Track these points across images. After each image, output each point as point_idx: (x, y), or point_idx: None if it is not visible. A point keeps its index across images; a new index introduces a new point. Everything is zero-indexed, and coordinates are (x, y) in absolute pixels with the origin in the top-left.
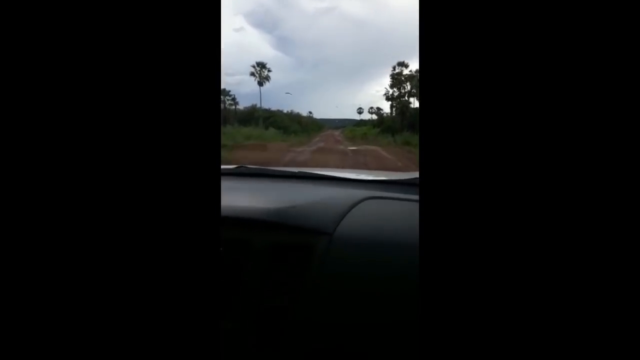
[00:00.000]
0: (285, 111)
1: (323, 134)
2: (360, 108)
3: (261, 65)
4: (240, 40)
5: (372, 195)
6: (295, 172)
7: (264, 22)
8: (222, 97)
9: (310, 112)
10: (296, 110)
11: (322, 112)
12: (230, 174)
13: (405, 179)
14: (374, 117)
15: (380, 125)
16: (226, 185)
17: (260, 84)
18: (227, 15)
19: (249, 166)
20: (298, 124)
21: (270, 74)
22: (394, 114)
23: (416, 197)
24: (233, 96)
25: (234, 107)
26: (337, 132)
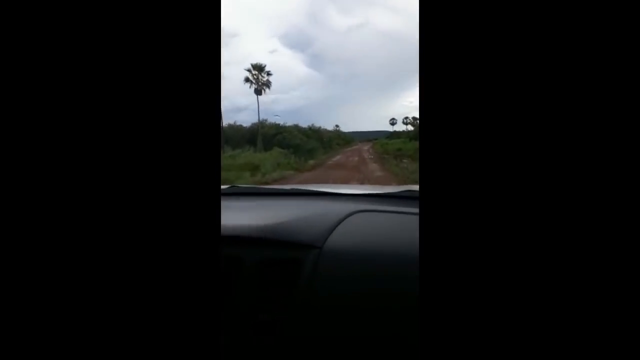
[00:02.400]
0: (304, 126)
1: (348, 149)
2: (393, 119)
3: (259, 69)
4: (274, 61)
5: (361, 209)
6: (286, 190)
7: (297, 42)
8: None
9: (337, 126)
10: (325, 125)
11: (353, 125)
12: (223, 194)
13: (394, 192)
14: (409, 127)
15: (417, 138)
16: None
17: (258, 91)
18: (261, 38)
19: (240, 185)
20: (318, 140)
21: (271, 77)
22: None
23: (405, 209)
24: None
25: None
26: (366, 147)
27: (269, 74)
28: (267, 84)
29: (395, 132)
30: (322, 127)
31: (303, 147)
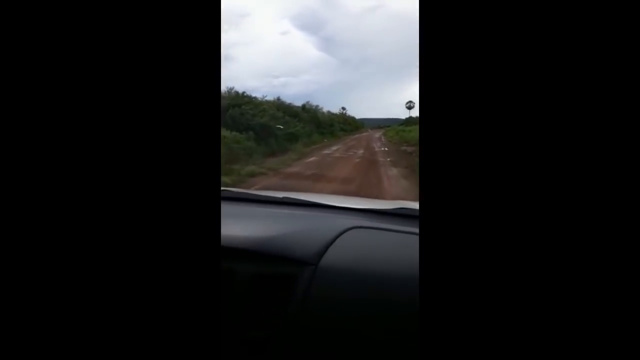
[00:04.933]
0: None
1: (354, 137)
2: (410, 102)
3: None
4: (285, 43)
5: (357, 225)
6: (279, 198)
7: (309, 24)
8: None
9: (343, 109)
10: (334, 110)
11: (365, 112)
12: None
13: (391, 209)
14: None
15: None
16: None
17: None
18: (273, 19)
19: (232, 189)
20: (310, 124)
21: (315, 74)
22: None
23: (402, 228)
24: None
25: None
26: (377, 134)
27: None
28: None
29: (411, 118)
30: (326, 109)
31: (275, 131)
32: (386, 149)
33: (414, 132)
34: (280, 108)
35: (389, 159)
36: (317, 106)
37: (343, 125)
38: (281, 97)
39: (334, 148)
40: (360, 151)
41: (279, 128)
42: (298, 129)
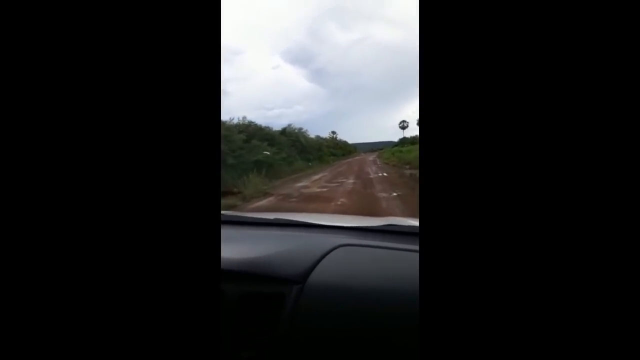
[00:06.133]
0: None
1: (344, 161)
2: (403, 122)
3: None
4: (277, 77)
5: (345, 243)
6: (270, 220)
7: (299, 58)
8: None
9: (333, 132)
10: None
11: (357, 137)
12: None
13: (379, 226)
14: None
15: None
16: None
17: None
18: (264, 55)
19: (222, 212)
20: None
21: (307, 104)
22: None
23: (389, 244)
24: None
25: None
26: (371, 157)
27: None
28: None
29: (405, 138)
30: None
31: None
32: (385, 174)
33: (414, 151)
34: (246, 131)
35: (394, 194)
36: (300, 129)
37: (333, 150)
38: (274, 127)
39: (316, 177)
40: (350, 180)
41: (232, 154)
42: (267, 155)
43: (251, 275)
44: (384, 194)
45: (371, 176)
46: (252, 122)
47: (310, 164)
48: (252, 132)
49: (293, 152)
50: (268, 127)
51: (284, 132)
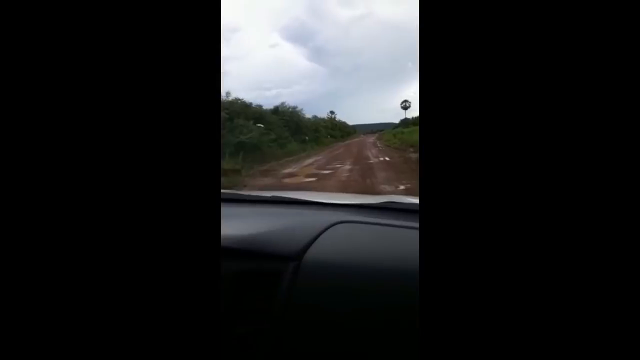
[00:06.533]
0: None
1: (343, 143)
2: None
3: None
4: (276, 56)
5: (343, 220)
6: (267, 197)
7: (298, 36)
8: None
9: (331, 112)
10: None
11: (358, 118)
12: None
13: (378, 203)
14: None
15: None
16: None
17: None
18: (262, 32)
19: (223, 191)
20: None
21: (306, 84)
22: None
23: (387, 221)
24: None
25: None
26: (371, 139)
27: None
28: None
29: (406, 119)
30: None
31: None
32: (387, 158)
33: (417, 133)
34: (230, 108)
35: (401, 187)
36: (295, 108)
37: (331, 131)
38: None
39: (308, 162)
40: (347, 167)
41: None
42: (252, 135)
43: (247, 252)
44: (387, 187)
45: (371, 161)
46: (238, 98)
47: (305, 146)
48: (236, 110)
49: (286, 133)
50: (258, 105)
51: (276, 111)
